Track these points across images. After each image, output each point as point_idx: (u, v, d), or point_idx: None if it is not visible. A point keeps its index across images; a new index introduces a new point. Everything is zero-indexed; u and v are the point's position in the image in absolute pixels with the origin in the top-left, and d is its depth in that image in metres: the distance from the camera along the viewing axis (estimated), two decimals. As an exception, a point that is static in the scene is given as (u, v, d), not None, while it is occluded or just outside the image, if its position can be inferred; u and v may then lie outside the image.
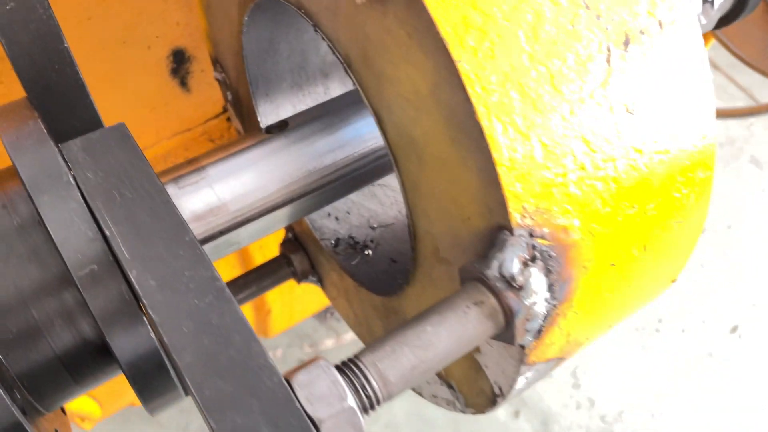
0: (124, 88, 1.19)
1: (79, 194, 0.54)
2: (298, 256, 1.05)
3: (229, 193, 0.70)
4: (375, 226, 0.99)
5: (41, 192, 0.53)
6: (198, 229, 0.69)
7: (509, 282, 0.52)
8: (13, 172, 0.63)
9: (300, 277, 1.07)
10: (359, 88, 0.62)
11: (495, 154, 0.49)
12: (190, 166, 0.71)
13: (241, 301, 1.03)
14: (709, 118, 0.60)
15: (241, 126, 1.06)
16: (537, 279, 0.52)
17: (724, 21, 0.92)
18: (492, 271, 0.52)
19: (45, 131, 0.56)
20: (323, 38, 0.64)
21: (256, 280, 1.04)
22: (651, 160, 0.57)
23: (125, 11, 1.08)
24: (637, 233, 0.59)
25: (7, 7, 0.65)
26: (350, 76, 0.63)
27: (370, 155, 0.78)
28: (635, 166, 0.56)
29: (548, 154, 0.51)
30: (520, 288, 0.52)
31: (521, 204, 0.51)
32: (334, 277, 0.99)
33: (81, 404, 1.43)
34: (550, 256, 0.53)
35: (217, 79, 1.05)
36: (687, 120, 0.58)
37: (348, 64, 0.62)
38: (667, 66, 0.57)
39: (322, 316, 2.28)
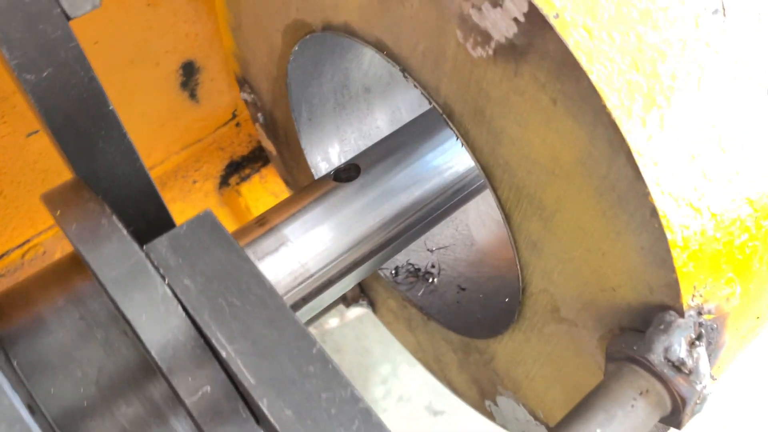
0: (134, 108, 1.10)
1: (179, 308, 0.46)
2: (347, 281, 0.98)
3: (310, 256, 0.63)
4: (433, 248, 0.93)
5: (138, 312, 0.45)
6: (281, 300, 0.62)
7: (678, 367, 0.46)
8: (79, 265, 0.55)
9: (349, 302, 1.01)
10: (463, 142, 0.55)
11: (669, 236, 0.43)
12: (262, 227, 0.64)
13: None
14: None
15: (274, 147, 0.98)
16: (704, 359, 0.47)
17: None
18: (656, 356, 0.47)
19: (124, 230, 0.49)
20: (415, 86, 0.56)
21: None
22: (805, 207, 0.51)
23: (134, 29, 0.98)
24: (782, 282, 0.54)
25: (44, 74, 0.56)
26: (450, 127, 0.55)
27: (450, 188, 0.72)
28: (791, 216, 0.50)
29: (718, 225, 0.45)
30: (690, 372, 0.47)
31: (692, 284, 0.45)
32: (393, 305, 0.93)
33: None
34: (712, 329, 0.48)
35: (245, 101, 0.96)
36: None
37: (449, 115, 0.55)
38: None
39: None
